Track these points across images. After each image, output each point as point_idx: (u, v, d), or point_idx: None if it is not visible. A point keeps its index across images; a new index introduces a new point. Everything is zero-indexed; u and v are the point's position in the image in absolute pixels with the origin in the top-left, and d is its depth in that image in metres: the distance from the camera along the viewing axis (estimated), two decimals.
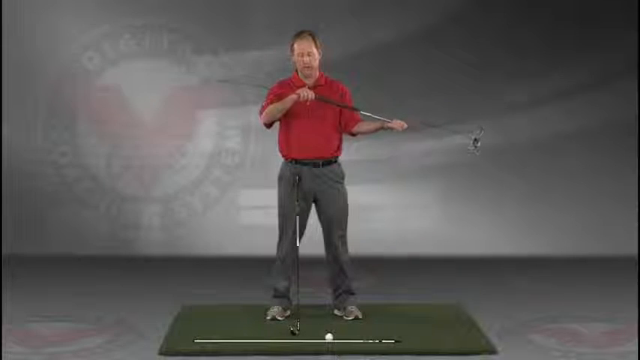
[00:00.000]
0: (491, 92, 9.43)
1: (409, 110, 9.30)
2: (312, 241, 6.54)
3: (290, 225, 6.36)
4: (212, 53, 9.41)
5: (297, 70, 6.39)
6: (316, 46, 6.33)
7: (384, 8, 9.38)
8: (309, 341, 5.79)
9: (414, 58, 9.42)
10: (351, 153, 6.45)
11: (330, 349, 5.66)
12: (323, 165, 6.35)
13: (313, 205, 6.43)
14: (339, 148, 6.41)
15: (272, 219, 6.48)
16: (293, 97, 6.21)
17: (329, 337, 5.81)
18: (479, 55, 9.41)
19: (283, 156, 6.42)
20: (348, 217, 6.44)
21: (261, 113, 6.35)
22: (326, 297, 6.68)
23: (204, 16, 9.37)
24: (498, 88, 9.44)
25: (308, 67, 6.33)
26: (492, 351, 5.68)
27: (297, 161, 6.36)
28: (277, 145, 6.43)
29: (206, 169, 9.45)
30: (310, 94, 6.20)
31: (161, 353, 5.64)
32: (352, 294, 6.50)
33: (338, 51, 8.93)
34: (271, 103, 6.30)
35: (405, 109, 9.29)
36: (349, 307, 6.44)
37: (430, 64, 9.43)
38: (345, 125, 6.40)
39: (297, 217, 6.28)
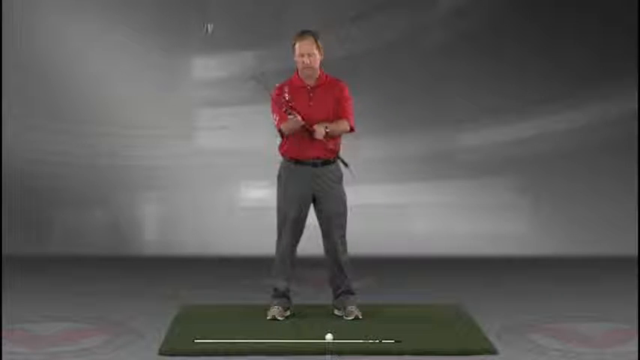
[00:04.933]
0: (490, 92, 9.43)
1: (411, 111, 9.43)
2: (312, 241, 6.54)
3: (289, 224, 6.36)
4: (212, 51, 9.41)
5: (297, 70, 6.39)
6: (317, 47, 6.31)
7: (384, 9, 9.39)
8: (309, 341, 5.79)
9: (415, 58, 9.42)
10: (349, 153, 6.42)
11: (329, 349, 5.67)
12: (322, 165, 6.35)
13: (312, 205, 6.43)
14: (337, 148, 6.41)
15: (272, 219, 6.48)
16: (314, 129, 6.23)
17: (329, 337, 5.80)
18: (481, 57, 9.42)
19: (282, 155, 6.42)
20: (348, 217, 6.45)
21: (278, 124, 6.32)
22: (326, 297, 6.67)
23: (204, 13, 9.37)
24: (497, 88, 9.43)
25: (308, 67, 6.32)
26: (492, 351, 5.68)
27: (296, 161, 6.36)
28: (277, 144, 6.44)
29: (206, 168, 9.44)
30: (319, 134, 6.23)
31: (161, 353, 5.64)
32: (352, 294, 6.50)
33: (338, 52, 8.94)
34: (280, 113, 6.27)
35: (408, 109, 9.42)
36: (349, 307, 6.44)
37: (432, 65, 9.43)
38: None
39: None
